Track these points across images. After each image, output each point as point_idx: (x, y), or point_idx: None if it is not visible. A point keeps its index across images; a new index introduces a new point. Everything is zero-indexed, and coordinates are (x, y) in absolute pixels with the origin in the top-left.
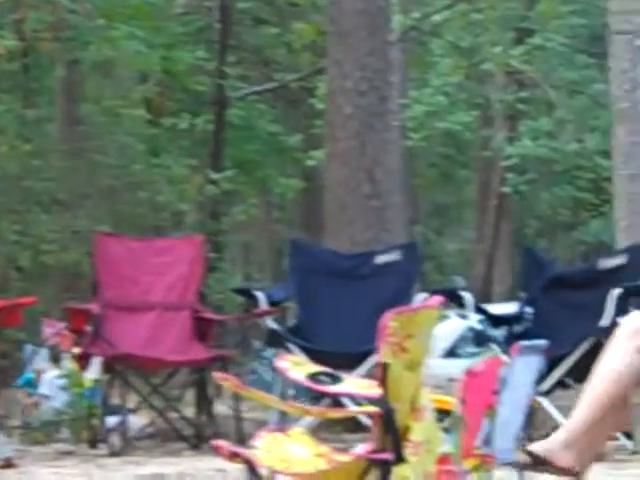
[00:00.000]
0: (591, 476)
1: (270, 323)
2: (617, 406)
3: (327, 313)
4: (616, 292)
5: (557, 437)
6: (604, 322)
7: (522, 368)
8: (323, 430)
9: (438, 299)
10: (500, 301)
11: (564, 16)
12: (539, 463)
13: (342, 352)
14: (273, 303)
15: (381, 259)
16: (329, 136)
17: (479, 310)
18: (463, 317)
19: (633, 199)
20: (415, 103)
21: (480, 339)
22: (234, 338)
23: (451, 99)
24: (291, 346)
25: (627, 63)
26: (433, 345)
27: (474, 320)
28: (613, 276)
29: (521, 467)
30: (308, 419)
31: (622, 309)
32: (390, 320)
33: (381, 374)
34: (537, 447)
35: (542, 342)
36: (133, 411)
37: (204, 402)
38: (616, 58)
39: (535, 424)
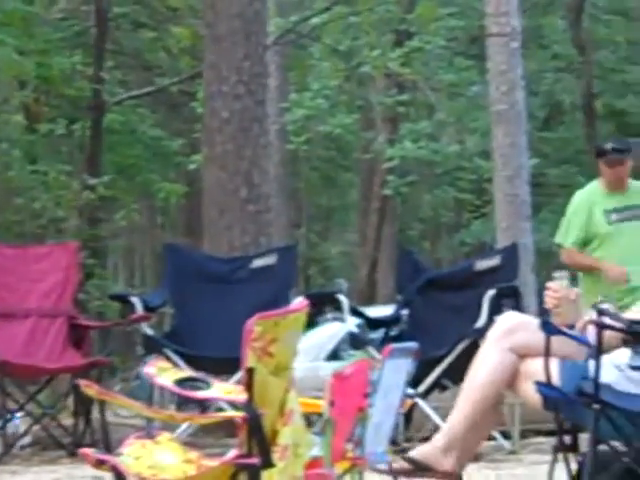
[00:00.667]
0: (468, 476)
1: (146, 329)
2: (492, 407)
3: (204, 318)
4: (490, 293)
5: (436, 442)
6: (479, 323)
7: (393, 370)
8: (205, 435)
9: (304, 303)
10: (384, 303)
11: (442, 18)
12: (420, 469)
13: (219, 357)
14: (149, 309)
15: (257, 263)
16: (206, 140)
17: (356, 313)
18: (339, 320)
19: (512, 200)
20: (296, 107)
21: (357, 342)
22: (118, 344)
23: (331, 102)
24: (167, 352)
25: (504, 65)
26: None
27: (352, 323)
28: (488, 277)
29: (399, 474)
30: (186, 425)
31: (497, 310)
32: (254, 325)
33: (246, 379)
34: (417, 454)
35: (413, 344)
36: (10, 419)
37: (82, 409)
38: (493, 60)
39: (413, 426)
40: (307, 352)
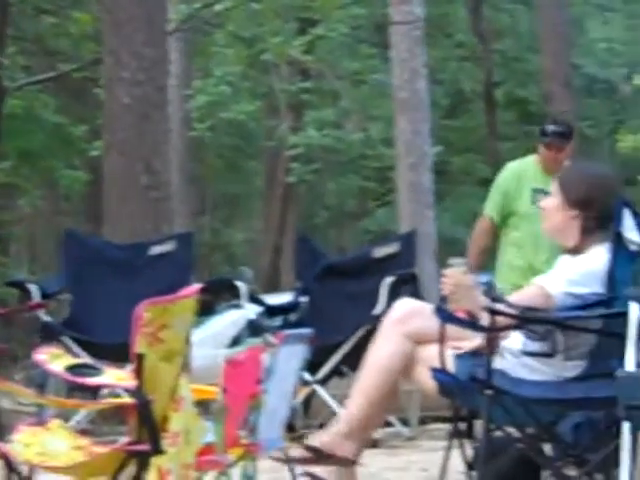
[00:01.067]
0: (365, 462)
1: (43, 316)
2: (389, 393)
3: (101, 305)
4: (389, 280)
5: (335, 429)
6: (377, 310)
7: (287, 357)
8: (102, 423)
9: (194, 289)
10: (289, 291)
11: (346, 6)
12: (320, 457)
13: (117, 343)
14: (46, 295)
15: (156, 249)
16: (107, 127)
17: (254, 300)
18: (238, 307)
19: (415, 188)
20: (199, 93)
21: (255, 329)
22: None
23: (235, 89)
24: (65, 339)
25: (406, 53)
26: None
27: (252, 310)
28: (386, 264)
29: (298, 462)
30: (84, 412)
31: (395, 297)
32: (144, 311)
33: (136, 365)
34: (317, 441)
35: (307, 330)
36: None
37: None
38: (396, 48)
39: (311, 413)
40: (208, 340)
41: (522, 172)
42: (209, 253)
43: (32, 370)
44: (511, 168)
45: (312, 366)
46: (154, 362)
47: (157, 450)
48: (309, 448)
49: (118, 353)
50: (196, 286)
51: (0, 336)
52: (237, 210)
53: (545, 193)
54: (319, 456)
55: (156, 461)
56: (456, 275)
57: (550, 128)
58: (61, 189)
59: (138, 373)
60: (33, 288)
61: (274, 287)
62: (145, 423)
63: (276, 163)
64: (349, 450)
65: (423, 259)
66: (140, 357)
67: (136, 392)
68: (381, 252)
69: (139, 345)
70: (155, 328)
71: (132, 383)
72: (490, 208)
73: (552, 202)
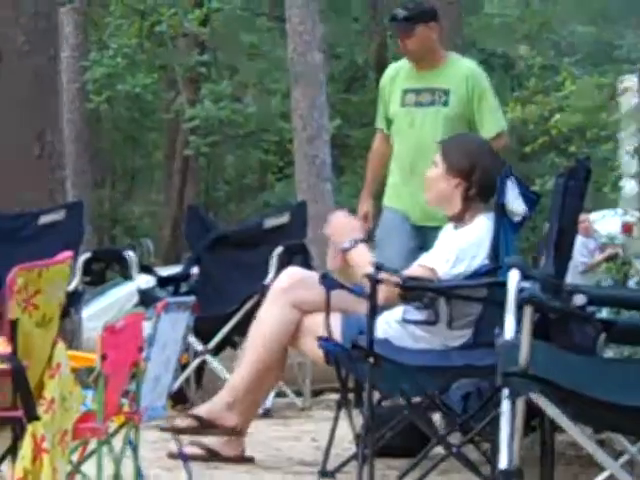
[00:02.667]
0: (255, 431)
1: None
2: (275, 363)
3: None
4: (279, 250)
5: (220, 399)
6: (267, 280)
7: (169, 324)
8: None
9: (67, 254)
10: None
11: None
12: (205, 426)
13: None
14: None
15: (45, 219)
16: None
17: (145, 270)
18: (129, 278)
19: (312, 161)
20: (95, 65)
21: (145, 299)
22: None
23: (131, 61)
24: None
25: (301, 26)
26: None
27: (144, 281)
28: (277, 235)
29: (184, 432)
30: None
31: (284, 267)
32: (17, 276)
33: (10, 330)
34: (202, 411)
35: (190, 298)
36: None
37: None
38: (291, 21)
39: (204, 384)
40: (102, 312)
41: (396, 73)
42: (110, 226)
43: None
44: (387, 70)
45: (204, 336)
46: (29, 328)
47: (32, 416)
48: (194, 417)
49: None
50: (69, 252)
51: None
52: (138, 183)
53: (417, 92)
54: (204, 425)
55: (31, 427)
56: (339, 216)
57: (394, 13)
58: None
59: (12, 338)
60: None
61: (175, 259)
62: (19, 389)
63: (175, 136)
64: (233, 419)
65: (321, 232)
66: (14, 323)
67: (10, 358)
68: (271, 223)
69: (13, 311)
70: (29, 294)
71: (6, 349)
72: (377, 122)
73: (435, 171)
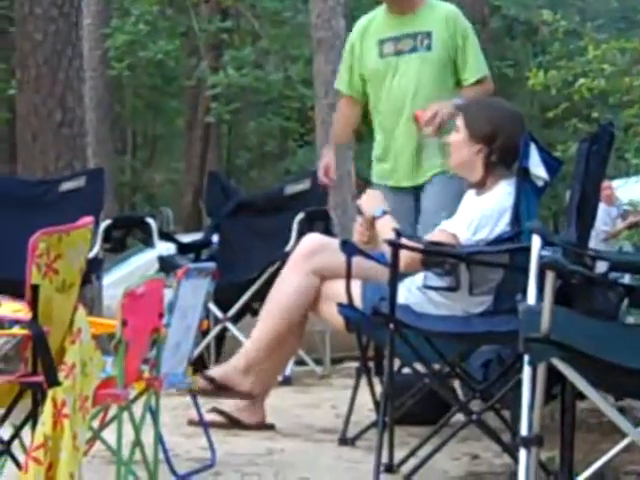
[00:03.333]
0: (275, 399)
1: None
2: (295, 329)
3: (10, 241)
4: (300, 216)
5: (236, 363)
6: (288, 247)
7: (190, 291)
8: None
9: (89, 220)
10: None
11: None
12: (219, 388)
13: (24, 280)
14: None
15: (66, 186)
16: (19, 63)
17: (165, 237)
18: (150, 245)
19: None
20: (117, 32)
21: (166, 266)
22: None
23: (153, 28)
24: None
25: None
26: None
27: (164, 248)
28: (298, 201)
29: (198, 393)
30: None
31: (305, 234)
32: (38, 241)
33: (30, 296)
34: (216, 373)
35: (210, 264)
36: None
37: None
38: None
39: (224, 351)
40: (126, 278)
41: (368, 25)
42: (130, 194)
43: None
44: (356, 26)
45: (224, 304)
46: (49, 293)
47: (52, 382)
48: (208, 378)
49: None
50: (90, 218)
51: None
52: (158, 150)
53: (396, 40)
54: (218, 387)
55: (51, 393)
56: (372, 191)
57: None
58: None
59: (33, 304)
60: None
61: (196, 227)
62: (40, 354)
63: (197, 103)
64: (247, 384)
65: (343, 199)
66: (35, 288)
67: (31, 323)
68: (293, 189)
69: (34, 276)
70: (50, 259)
71: (27, 315)
72: (341, 83)
73: (457, 137)
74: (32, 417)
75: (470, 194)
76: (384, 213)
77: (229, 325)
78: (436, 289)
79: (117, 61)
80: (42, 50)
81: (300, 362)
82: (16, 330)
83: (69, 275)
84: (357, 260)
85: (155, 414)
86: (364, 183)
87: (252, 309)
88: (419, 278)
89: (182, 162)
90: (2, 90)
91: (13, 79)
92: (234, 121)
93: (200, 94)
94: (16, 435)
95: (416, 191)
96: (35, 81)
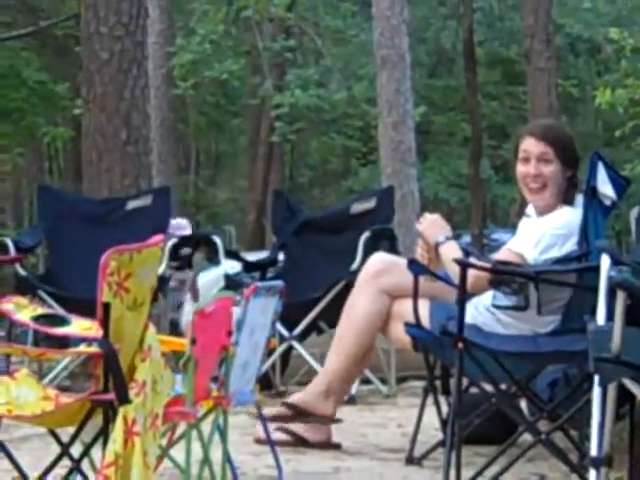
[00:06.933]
0: (343, 418)
1: (18, 270)
2: (366, 349)
3: (78, 259)
4: (366, 235)
5: (316, 388)
6: (354, 266)
7: (258, 309)
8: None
9: (159, 238)
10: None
11: None
12: (300, 414)
13: (91, 298)
14: (22, 249)
15: (132, 204)
16: (86, 82)
17: (231, 255)
18: (216, 263)
19: (397, 147)
20: (182, 51)
21: (231, 284)
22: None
23: (217, 47)
24: (41, 293)
25: (388, 11)
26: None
27: (229, 266)
28: (364, 220)
29: (278, 420)
30: (61, 366)
31: (371, 252)
32: (109, 259)
33: (102, 314)
34: (297, 399)
35: (279, 283)
36: None
37: None
38: (378, 6)
39: (289, 370)
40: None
41: None
42: (194, 212)
43: (15, 328)
44: None
45: (289, 322)
46: (120, 311)
47: (123, 399)
48: (289, 406)
49: (92, 308)
50: (160, 236)
51: None
52: (221, 169)
53: None
54: (298, 414)
55: (122, 410)
56: (433, 216)
57: None
58: (44, 147)
59: (104, 322)
60: (7, 242)
61: (259, 246)
62: (111, 372)
63: (259, 122)
64: (329, 408)
65: (407, 218)
66: (106, 306)
67: (102, 341)
68: (359, 208)
69: (105, 294)
70: (121, 277)
71: (98, 333)
72: None
73: (551, 169)
74: (103, 435)
75: (532, 213)
76: (447, 239)
77: (294, 343)
78: (504, 308)
79: (182, 80)
80: (108, 69)
81: (365, 381)
82: (87, 348)
83: (140, 293)
84: (424, 279)
85: (223, 432)
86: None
87: (317, 328)
88: (486, 298)
89: (244, 180)
90: (67, 109)
91: (78, 98)
92: (297, 139)
93: (263, 112)
94: (86, 453)
95: None
96: (101, 100)
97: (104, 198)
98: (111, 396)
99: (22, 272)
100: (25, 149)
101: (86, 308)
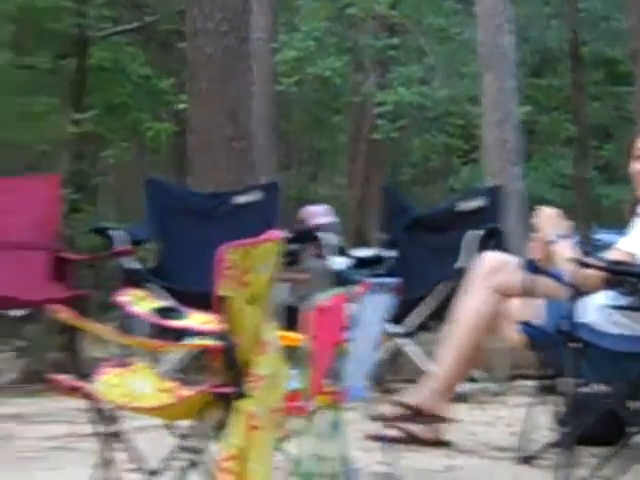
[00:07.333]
0: (453, 416)
1: (129, 263)
2: (478, 348)
3: (187, 253)
4: (474, 234)
5: (431, 387)
6: (459, 264)
7: (372, 305)
8: (197, 373)
9: (277, 233)
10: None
11: None
12: (416, 415)
13: (203, 292)
14: (134, 242)
15: (241, 199)
16: (191, 77)
17: (340, 252)
18: (323, 259)
19: (501, 145)
20: (286, 48)
21: (342, 281)
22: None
23: (321, 44)
24: (151, 286)
25: (491, 9)
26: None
27: (338, 262)
28: (472, 218)
29: (393, 420)
30: (174, 359)
31: (479, 251)
32: (228, 253)
33: (221, 308)
34: (411, 399)
35: (393, 280)
36: None
37: (69, 344)
38: (482, 4)
39: (397, 367)
40: None
41: None
42: (295, 208)
43: (125, 319)
44: None
45: (397, 319)
46: (239, 305)
47: (242, 394)
48: (405, 405)
49: (204, 301)
50: (278, 232)
51: (86, 284)
52: (321, 166)
53: None
54: (415, 414)
55: (242, 404)
56: (550, 211)
57: None
58: (148, 142)
59: (223, 316)
60: (118, 235)
61: (359, 243)
62: (230, 366)
63: (361, 119)
64: (441, 408)
65: (512, 217)
66: (225, 300)
67: (222, 335)
68: (464, 206)
69: (224, 288)
70: (239, 271)
71: (217, 326)
72: None
73: None
74: (222, 428)
75: None
76: (562, 237)
77: (403, 341)
78: (619, 308)
79: (285, 77)
80: (213, 65)
81: (474, 379)
82: (207, 342)
83: (258, 287)
84: (537, 278)
85: (337, 428)
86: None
87: (426, 325)
88: (599, 297)
89: (344, 177)
90: (170, 104)
91: (181, 93)
92: (399, 137)
93: (364, 110)
94: (205, 445)
95: None
96: (206, 95)
97: (211, 192)
98: (231, 389)
99: (133, 265)
100: (130, 143)
101: (196, 301)
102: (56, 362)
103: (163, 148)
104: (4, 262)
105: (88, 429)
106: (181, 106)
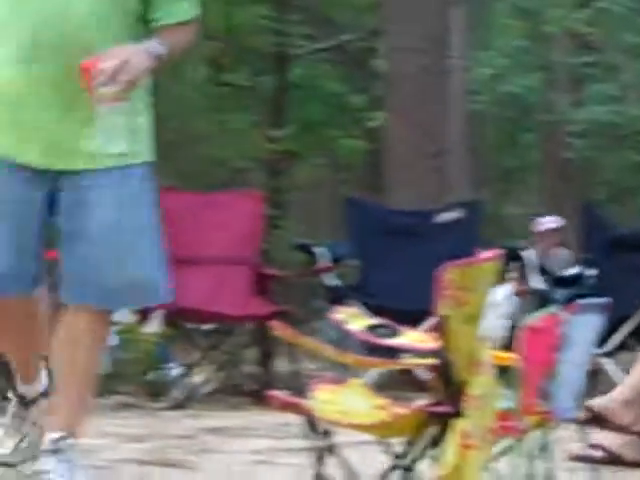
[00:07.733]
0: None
1: (330, 280)
2: None
3: (390, 271)
4: None
5: (617, 395)
6: None
7: (581, 326)
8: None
9: (496, 252)
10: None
11: None
12: (598, 420)
13: (403, 309)
14: (334, 259)
15: (442, 217)
16: (389, 95)
17: (540, 270)
18: (524, 277)
19: None
20: (480, 65)
21: (542, 300)
22: (297, 296)
23: (515, 62)
24: (353, 303)
25: None
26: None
27: (535, 281)
28: None
29: (581, 423)
30: (371, 374)
31: None
32: (448, 273)
33: (440, 327)
34: (597, 403)
35: (602, 300)
36: (193, 366)
37: (265, 358)
38: None
39: (598, 387)
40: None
41: None
42: (485, 226)
43: (327, 332)
44: None
45: (599, 339)
46: (457, 324)
47: (459, 412)
48: (588, 408)
49: (407, 319)
50: (497, 251)
51: (282, 299)
52: (511, 183)
53: None
54: (596, 418)
55: (458, 423)
56: None
57: None
58: (341, 159)
59: (441, 334)
60: (321, 252)
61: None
62: (447, 385)
63: (553, 137)
64: (627, 417)
65: None
66: (444, 318)
67: (439, 353)
68: None
69: (443, 307)
70: (457, 290)
71: (434, 344)
72: None
73: None
74: (435, 446)
75: None
76: None
77: (604, 360)
78: None
79: (478, 94)
80: (411, 82)
81: None
82: (426, 360)
83: (476, 307)
84: None
85: (546, 448)
86: None
87: (627, 345)
88: None
89: (534, 195)
90: (363, 120)
91: (374, 110)
92: (591, 155)
93: (556, 128)
94: (415, 463)
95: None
96: (403, 113)
97: (411, 210)
98: (447, 408)
99: (334, 281)
100: (323, 160)
101: (399, 318)
102: (251, 375)
103: (357, 165)
104: (208, 276)
105: (291, 444)
106: (372, 123)
